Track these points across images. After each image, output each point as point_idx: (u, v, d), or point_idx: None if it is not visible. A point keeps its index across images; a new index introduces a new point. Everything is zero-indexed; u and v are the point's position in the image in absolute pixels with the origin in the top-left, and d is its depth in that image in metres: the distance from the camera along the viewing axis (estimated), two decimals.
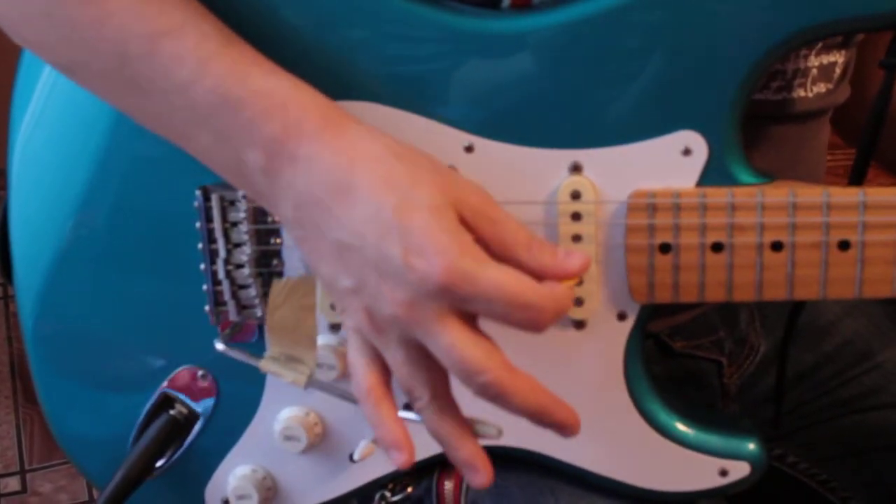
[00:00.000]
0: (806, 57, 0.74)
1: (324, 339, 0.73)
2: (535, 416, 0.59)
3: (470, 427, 0.62)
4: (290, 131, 0.60)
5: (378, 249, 0.57)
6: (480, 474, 0.61)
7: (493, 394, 0.58)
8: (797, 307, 0.76)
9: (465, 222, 0.58)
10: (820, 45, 0.75)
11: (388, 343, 0.60)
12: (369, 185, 0.58)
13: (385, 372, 0.62)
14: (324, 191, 0.59)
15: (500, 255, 0.58)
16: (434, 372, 0.60)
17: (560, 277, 0.59)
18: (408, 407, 0.64)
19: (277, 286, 0.71)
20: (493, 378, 0.57)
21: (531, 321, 0.57)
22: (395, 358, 0.60)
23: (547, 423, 0.59)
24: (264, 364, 0.72)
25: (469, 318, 0.58)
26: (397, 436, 0.61)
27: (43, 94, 0.75)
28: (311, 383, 0.72)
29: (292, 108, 0.61)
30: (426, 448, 0.74)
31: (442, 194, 0.58)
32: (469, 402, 0.61)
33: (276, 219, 0.65)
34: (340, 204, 0.59)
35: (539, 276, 0.58)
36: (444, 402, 0.61)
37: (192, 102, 0.61)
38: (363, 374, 0.62)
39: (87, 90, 0.68)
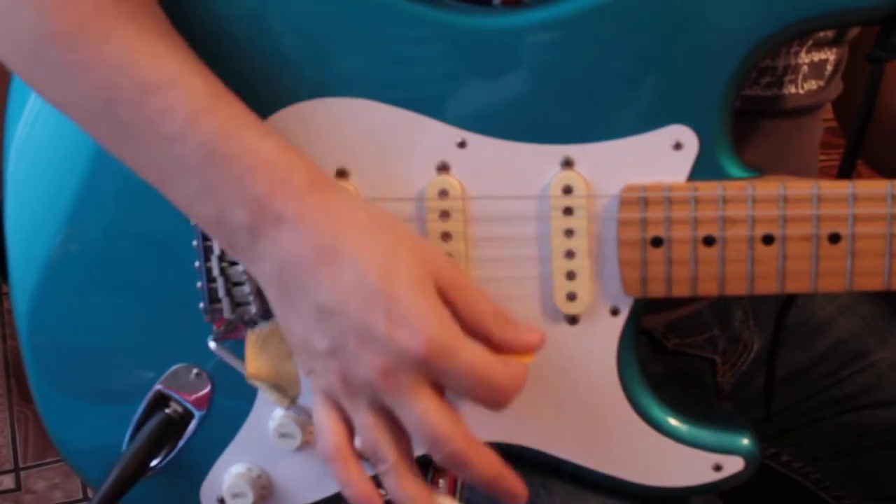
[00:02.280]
0: (797, 54, 0.75)
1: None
2: (489, 485, 0.62)
3: (431, 490, 0.64)
4: (277, 191, 0.60)
5: (361, 316, 0.59)
6: (513, 492, 0.63)
7: (456, 462, 0.61)
8: (786, 305, 0.76)
9: (440, 293, 0.60)
10: (811, 41, 0.75)
11: (358, 406, 0.61)
12: (355, 252, 0.60)
13: (351, 433, 0.64)
14: (309, 253, 0.60)
15: (469, 325, 0.61)
16: (399, 437, 0.62)
17: (520, 350, 0.62)
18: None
19: (251, 337, 0.73)
20: (458, 448, 0.60)
21: (493, 401, 0.61)
22: (364, 421, 0.62)
23: (499, 492, 0.63)
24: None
25: (439, 390, 0.61)
26: (367, 492, 0.63)
27: (39, 97, 0.75)
28: (293, 406, 0.74)
29: (280, 169, 0.61)
30: (419, 446, 0.75)
31: (423, 266, 0.60)
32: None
33: (251, 274, 0.66)
34: (326, 268, 0.60)
35: (501, 347, 0.62)
36: (408, 465, 0.62)
37: (179, 154, 0.62)
38: (330, 434, 0.63)
39: (80, 126, 0.68)
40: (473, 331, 0.61)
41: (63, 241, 0.76)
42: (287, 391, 0.74)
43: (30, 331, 0.78)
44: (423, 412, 0.59)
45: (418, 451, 0.63)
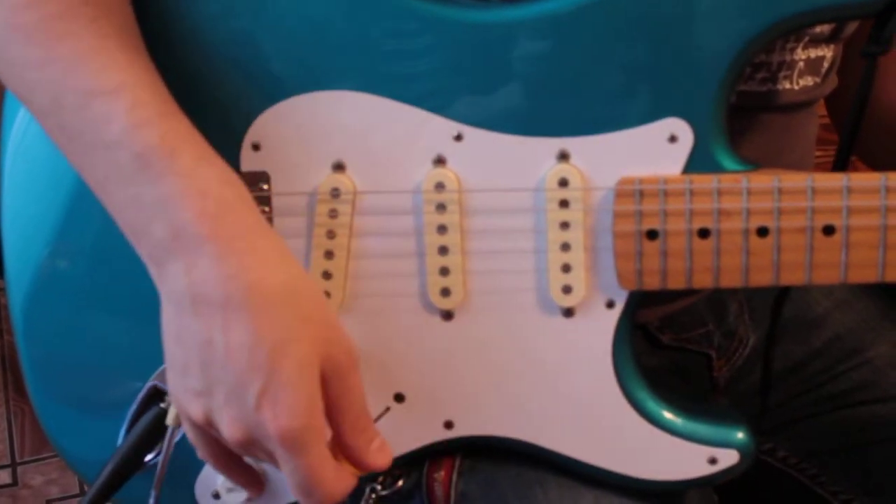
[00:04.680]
0: (793, 50, 0.75)
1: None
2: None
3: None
4: (203, 223, 0.61)
5: (238, 379, 0.60)
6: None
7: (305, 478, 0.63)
8: (781, 295, 0.76)
9: (322, 376, 0.62)
10: (807, 38, 0.76)
11: (221, 420, 0.63)
12: (258, 318, 0.60)
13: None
14: (216, 296, 0.60)
15: (330, 415, 0.63)
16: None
17: (359, 464, 0.65)
18: None
19: None
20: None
21: (305, 501, 0.63)
22: (225, 423, 0.63)
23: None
24: None
25: None
26: (248, 478, 0.71)
27: None
28: None
29: (210, 201, 0.61)
30: (415, 440, 0.75)
31: (316, 351, 0.61)
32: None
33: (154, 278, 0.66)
34: (225, 317, 0.60)
35: (346, 452, 0.64)
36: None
37: (114, 162, 0.62)
38: (205, 448, 0.67)
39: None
40: (330, 419, 0.63)
41: (61, 236, 0.76)
42: None
43: (25, 327, 0.79)
44: (276, 461, 0.62)
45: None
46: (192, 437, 0.67)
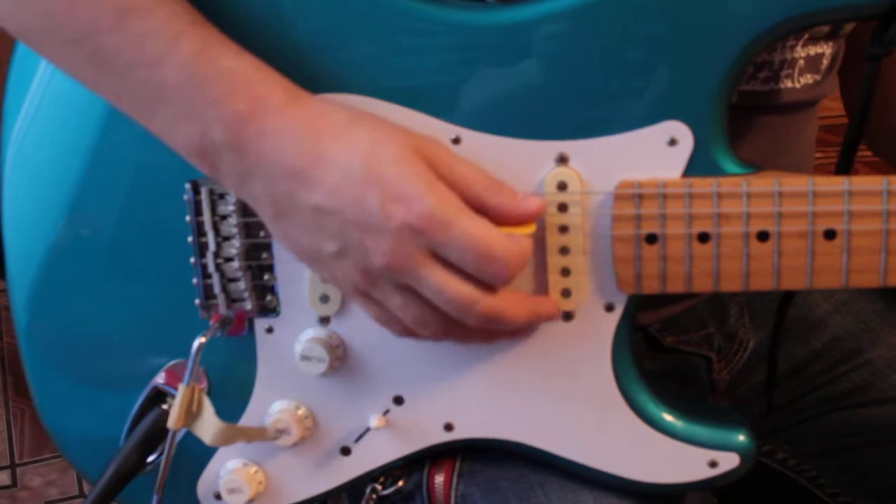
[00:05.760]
0: (793, 48, 0.75)
1: (315, 331, 0.74)
2: (529, 322, 0.66)
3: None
4: (255, 108, 0.62)
5: (357, 206, 0.61)
6: (551, 312, 0.68)
7: (489, 318, 0.63)
8: (785, 303, 0.76)
9: (431, 168, 0.62)
10: (807, 36, 0.75)
11: (385, 293, 0.63)
12: (336, 150, 0.61)
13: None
14: (295, 161, 0.61)
15: (464, 195, 0.62)
16: (435, 309, 0.63)
17: (519, 219, 0.64)
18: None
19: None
20: (485, 305, 0.62)
21: (496, 274, 0.62)
22: (395, 304, 0.64)
23: (539, 322, 0.68)
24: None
25: (451, 266, 0.62)
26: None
27: (37, 92, 0.76)
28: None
29: (257, 87, 0.63)
30: (415, 442, 0.75)
31: (405, 146, 0.62)
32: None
33: (244, 199, 0.67)
34: (312, 171, 0.61)
35: (500, 215, 0.63)
36: (460, 326, 0.64)
37: (160, 79, 0.63)
38: (392, 325, 0.66)
39: (45, 58, 0.69)
40: (468, 200, 0.62)
41: (61, 237, 0.76)
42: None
43: (27, 325, 0.79)
44: (440, 283, 0.61)
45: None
46: (377, 319, 0.66)
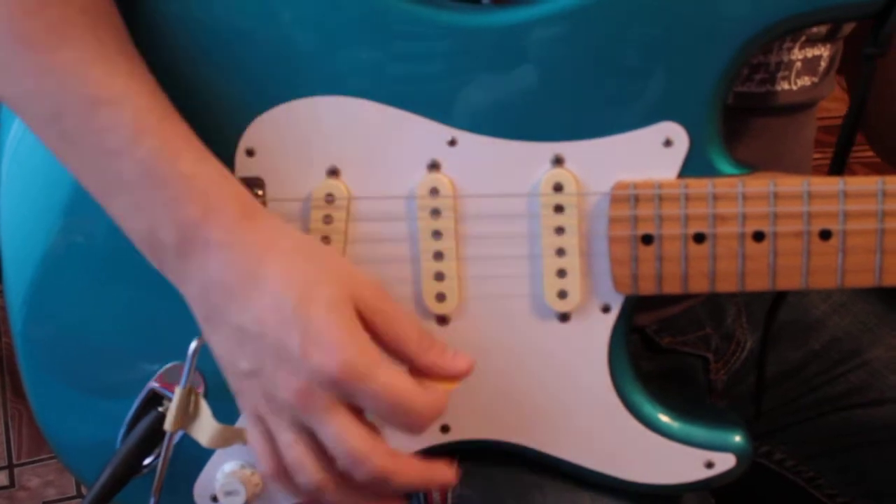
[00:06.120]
0: (790, 50, 0.75)
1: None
2: (421, 488, 0.66)
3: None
4: (208, 217, 0.62)
5: (277, 338, 0.61)
6: (444, 481, 0.66)
7: (377, 479, 0.62)
8: (776, 303, 0.76)
9: (361, 317, 0.62)
10: (804, 37, 0.75)
11: (280, 425, 0.63)
12: (274, 279, 0.61)
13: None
14: (232, 278, 0.62)
15: (392, 349, 0.63)
16: (324, 457, 0.63)
17: (445, 377, 0.64)
18: None
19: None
20: (376, 465, 0.61)
21: (409, 425, 0.62)
22: (285, 440, 0.63)
23: (433, 488, 0.67)
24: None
25: (357, 410, 0.62)
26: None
27: None
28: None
29: (213, 196, 0.63)
30: (413, 442, 0.75)
31: (341, 291, 0.61)
32: None
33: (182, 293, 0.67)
34: (246, 292, 0.62)
35: (425, 372, 0.63)
36: (335, 481, 0.63)
37: (118, 170, 0.63)
38: (264, 458, 0.65)
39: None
40: (396, 353, 0.63)
41: (59, 238, 0.76)
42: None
43: (24, 327, 0.79)
44: (338, 432, 0.61)
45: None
46: (254, 443, 0.65)
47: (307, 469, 0.63)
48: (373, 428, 0.63)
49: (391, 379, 0.60)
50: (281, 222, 0.65)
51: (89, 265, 0.76)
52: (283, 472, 0.65)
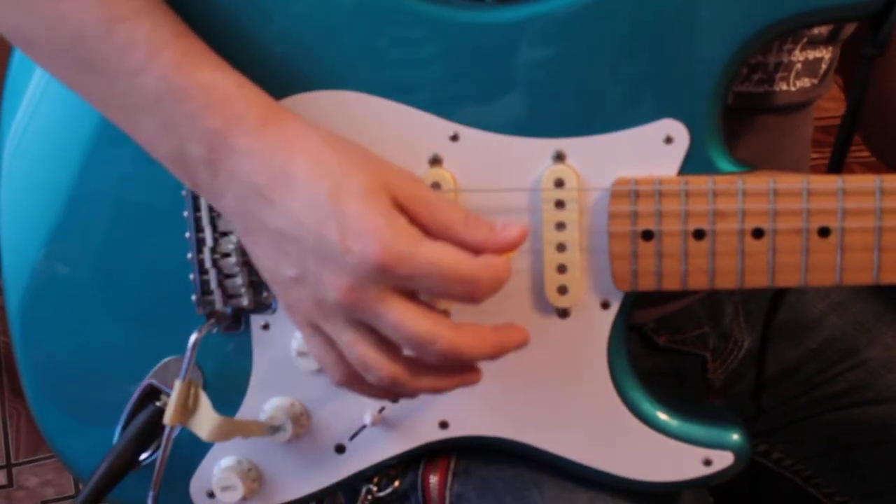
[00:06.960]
0: (790, 51, 0.75)
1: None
2: (493, 357, 0.63)
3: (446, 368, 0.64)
4: (231, 125, 0.62)
5: (316, 235, 0.60)
6: (474, 377, 0.65)
7: (449, 357, 0.61)
8: (775, 302, 0.76)
9: (399, 206, 0.61)
10: (805, 39, 0.76)
11: (336, 327, 0.62)
12: (305, 175, 0.61)
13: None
14: (263, 181, 0.61)
15: (438, 234, 0.61)
16: (390, 348, 0.62)
17: (498, 250, 0.62)
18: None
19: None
20: (444, 344, 0.60)
21: (467, 293, 0.60)
22: (345, 340, 0.62)
23: (506, 353, 0.64)
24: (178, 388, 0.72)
25: (411, 294, 0.61)
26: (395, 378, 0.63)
27: (33, 97, 0.76)
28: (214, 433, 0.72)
29: (234, 103, 0.63)
30: (409, 440, 0.75)
31: (374, 180, 0.60)
32: None
33: (221, 212, 0.67)
34: (278, 193, 0.61)
35: (478, 250, 0.61)
36: (406, 368, 0.62)
37: (140, 88, 0.63)
38: (330, 367, 0.64)
39: (38, 64, 0.69)
40: (444, 238, 0.61)
41: (59, 233, 0.76)
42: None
43: (22, 324, 0.79)
44: (397, 320, 0.59)
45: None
46: (316, 353, 0.64)
47: (375, 364, 0.61)
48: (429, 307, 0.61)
49: (435, 253, 0.59)
50: (305, 121, 0.64)
51: (87, 257, 0.76)
52: (354, 376, 0.64)
